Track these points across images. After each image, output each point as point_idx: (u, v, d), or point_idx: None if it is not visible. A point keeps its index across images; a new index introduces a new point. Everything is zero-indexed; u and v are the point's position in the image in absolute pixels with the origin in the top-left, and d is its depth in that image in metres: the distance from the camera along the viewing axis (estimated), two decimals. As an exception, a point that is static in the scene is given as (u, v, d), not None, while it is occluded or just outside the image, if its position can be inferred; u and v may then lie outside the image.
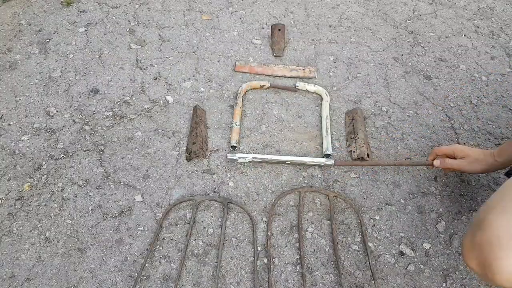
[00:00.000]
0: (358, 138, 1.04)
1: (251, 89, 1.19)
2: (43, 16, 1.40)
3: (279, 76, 1.24)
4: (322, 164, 0.99)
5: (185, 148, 1.04)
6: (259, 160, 0.99)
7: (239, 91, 1.15)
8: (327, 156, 1.02)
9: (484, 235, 0.56)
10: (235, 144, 1.02)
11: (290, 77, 1.23)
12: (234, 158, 0.99)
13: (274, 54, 1.30)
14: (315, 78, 1.23)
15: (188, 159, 1.00)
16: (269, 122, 1.12)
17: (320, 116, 1.13)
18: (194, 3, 1.49)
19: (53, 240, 0.86)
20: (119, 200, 0.94)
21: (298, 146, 1.07)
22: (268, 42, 1.35)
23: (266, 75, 1.24)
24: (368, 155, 1.01)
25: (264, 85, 1.19)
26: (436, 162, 0.94)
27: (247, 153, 1.04)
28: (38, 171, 0.98)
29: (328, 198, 0.95)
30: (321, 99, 1.17)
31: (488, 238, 0.55)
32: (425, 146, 1.07)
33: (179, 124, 1.10)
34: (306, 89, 1.19)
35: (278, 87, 1.19)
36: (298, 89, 1.19)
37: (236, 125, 1.07)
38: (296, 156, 1.04)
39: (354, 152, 1.02)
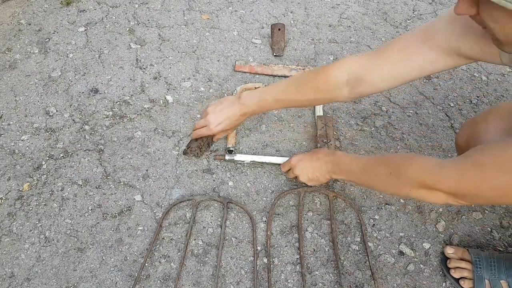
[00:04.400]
0: (331, 144, 1.04)
1: (246, 91, 1.19)
2: (43, 16, 1.40)
3: (279, 76, 1.24)
4: None
5: (185, 147, 1.04)
6: (257, 162, 1.00)
7: (234, 94, 1.15)
8: None
9: (484, 114, 0.59)
10: (232, 149, 1.01)
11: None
12: (231, 159, 0.99)
13: (274, 54, 1.30)
14: None
15: (184, 152, 1.00)
16: (269, 122, 1.12)
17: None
18: (194, 2, 1.49)
19: (53, 240, 0.86)
20: (119, 199, 0.94)
21: (298, 145, 1.07)
22: (268, 42, 1.35)
23: (265, 74, 1.24)
24: None
25: (259, 87, 1.18)
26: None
27: (246, 152, 1.04)
28: (38, 170, 0.98)
29: (328, 198, 0.95)
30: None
31: (486, 117, 0.59)
32: (425, 146, 1.07)
33: (179, 124, 1.10)
34: None
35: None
36: None
37: None
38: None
39: None
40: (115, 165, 1.00)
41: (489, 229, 0.91)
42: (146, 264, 0.84)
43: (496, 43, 0.50)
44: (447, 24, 0.65)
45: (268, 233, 0.88)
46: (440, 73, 1.28)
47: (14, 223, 0.89)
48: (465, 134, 0.65)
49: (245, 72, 1.24)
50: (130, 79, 1.21)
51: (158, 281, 0.81)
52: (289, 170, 0.93)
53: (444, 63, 0.68)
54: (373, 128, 1.11)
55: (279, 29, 1.31)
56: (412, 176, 0.64)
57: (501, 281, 0.77)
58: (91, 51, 1.28)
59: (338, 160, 0.83)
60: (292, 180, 0.98)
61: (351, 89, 0.79)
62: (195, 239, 0.88)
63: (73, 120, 1.09)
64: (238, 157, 0.99)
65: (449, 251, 0.84)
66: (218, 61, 1.28)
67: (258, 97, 0.88)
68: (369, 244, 0.89)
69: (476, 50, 0.62)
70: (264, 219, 0.92)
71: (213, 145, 1.05)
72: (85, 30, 1.35)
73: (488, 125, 0.59)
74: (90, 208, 0.92)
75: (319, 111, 1.12)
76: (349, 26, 1.44)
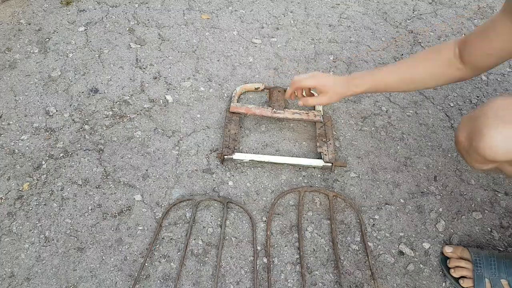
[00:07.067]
0: (330, 144, 1.03)
1: (246, 91, 1.19)
2: (43, 16, 1.40)
3: (280, 118, 1.09)
4: (320, 166, 0.99)
5: (185, 147, 1.04)
6: (256, 161, 1.00)
7: (233, 94, 1.15)
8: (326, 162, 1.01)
9: (483, 109, 0.60)
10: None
11: (293, 119, 1.09)
12: (230, 157, 0.99)
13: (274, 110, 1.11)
14: (321, 121, 1.08)
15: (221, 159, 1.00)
16: (269, 122, 1.12)
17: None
18: (194, 2, 1.49)
19: (53, 240, 0.86)
20: (119, 199, 0.94)
21: (297, 145, 1.07)
22: (268, 42, 1.35)
23: (265, 116, 1.08)
24: (335, 165, 0.99)
25: (259, 88, 1.18)
26: (300, 103, 0.98)
27: (246, 152, 1.04)
28: (38, 170, 0.98)
29: (328, 198, 0.95)
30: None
31: (485, 111, 0.59)
32: (425, 146, 1.07)
33: (178, 124, 1.10)
34: None
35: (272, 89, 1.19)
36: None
37: None
38: (296, 156, 1.04)
39: (325, 155, 1.00)
40: (115, 165, 1.00)
41: (489, 229, 0.92)
42: (146, 264, 0.84)
43: None
44: None
45: (268, 233, 0.88)
46: (440, 73, 1.28)
47: (14, 223, 0.89)
48: (464, 130, 0.64)
49: (241, 113, 1.11)
50: (130, 79, 1.21)
51: (158, 281, 0.81)
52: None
53: None
54: (373, 128, 1.11)
55: (278, 91, 1.15)
56: None
57: (501, 280, 0.77)
58: (91, 51, 1.28)
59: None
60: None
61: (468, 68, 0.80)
62: (195, 239, 0.88)
63: (73, 120, 1.09)
64: (236, 156, 0.99)
65: (448, 250, 0.84)
66: (218, 61, 1.28)
67: (369, 84, 0.87)
68: (369, 244, 0.89)
69: None
70: (264, 219, 0.92)
71: (214, 144, 1.05)
72: (85, 29, 1.35)
73: (488, 119, 0.58)
74: (90, 208, 0.92)
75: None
76: (349, 26, 1.44)
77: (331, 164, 0.98)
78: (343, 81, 0.90)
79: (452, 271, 0.82)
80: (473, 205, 0.96)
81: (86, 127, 1.08)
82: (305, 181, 0.99)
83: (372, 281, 0.83)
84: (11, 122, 1.08)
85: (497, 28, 0.72)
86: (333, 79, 0.91)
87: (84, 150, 1.02)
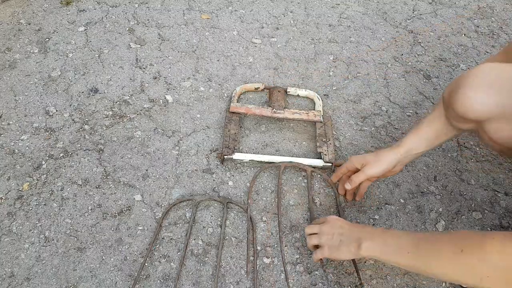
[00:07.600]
0: (330, 144, 1.03)
1: (246, 91, 1.19)
2: (43, 15, 1.39)
3: (280, 118, 1.11)
4: (320, 166, 0.99)
5: (185, 147, 1.04)
6: (256, 161, 1.00)
7: (233, 94, 1.15)
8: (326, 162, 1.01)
9: (469, 71, 0.65)
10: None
11: (293, 119, 1.09)
12: (230, 157, 0.99)
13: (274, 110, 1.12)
14: (321, 121, 1.08)
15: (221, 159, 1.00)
16: (269, 122, 1.12)
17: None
18: (194, 2, 1.49)
19: (53, 240, 0.86)
20: (119, 199, 0.94)
21: (297, 145, 1.07)
22: (268, 42, 1.35)
23: (265, 116, 1.09)
24: (335, 165, 0.99)
25: (259, 88, 1.18)
26: (347, 186, 0.87)
27: (246, 152, 1.04)
28: (38, 170, 0.98)
29: (306, 173, 0.98)
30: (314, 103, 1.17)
31: (469, 73, 0.65)
32: (425, 146, 1.07)
33: (178, 124, 1.10)
34: (298, 94, 1.18)
35: (272, 89, 1.19)
36: (289, 93, 1.18)
37: None
38: (296, 156, 1.04)
39: (326, 155, 1.01)
40: (115, 165, 1.00)
41: (489, 229, 0.92)
42: (146, 264, 0.84)
43: None
44: None
45: (249, 201, 0.88)
46: (440, 73, 1.28)
47: (14, 223, 0.89)
48: (449, 87, 0.69)
49: (241, 113, 1.11)
50: (130, 79, 1.21)
51: (158, 281, 0.81)
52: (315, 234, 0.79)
53: None
54: (373, 128, 1.11)
55: (278, 91, 1.15)
56: (494, 255, 0.51)
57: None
58: (91, 51, 1.28)
59: (380, 231, 0.69)
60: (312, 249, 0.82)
61: None
62: (195, 239, 0.88)
63: (73, 119, 1.09)
64: (236, 156, 0.99)
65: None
66: (218, 61, 1.28)
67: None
68: (369, 244, 0.88)
69: None
70: (264, 219, 0.92)
71: (213, 144, 1.05)
72: (85, 29, 1.35)
73: (467, 79, 0.64)
74: (90, 208, 0.92)
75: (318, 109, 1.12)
76: (349, 26, 1.44)
77: (331, 164, 0.98)
78: (384, 150, 0.83)
79: None
80: (473, 205, 0.96)
81: (86, 127, 1.08)
82: (305, 181, 0.99)
83: (373, 281, 0.83)
84: (11, 122, 1.08)
85: None
86: (369, 154, 0.86)
87: (84, 150, 1.02)
